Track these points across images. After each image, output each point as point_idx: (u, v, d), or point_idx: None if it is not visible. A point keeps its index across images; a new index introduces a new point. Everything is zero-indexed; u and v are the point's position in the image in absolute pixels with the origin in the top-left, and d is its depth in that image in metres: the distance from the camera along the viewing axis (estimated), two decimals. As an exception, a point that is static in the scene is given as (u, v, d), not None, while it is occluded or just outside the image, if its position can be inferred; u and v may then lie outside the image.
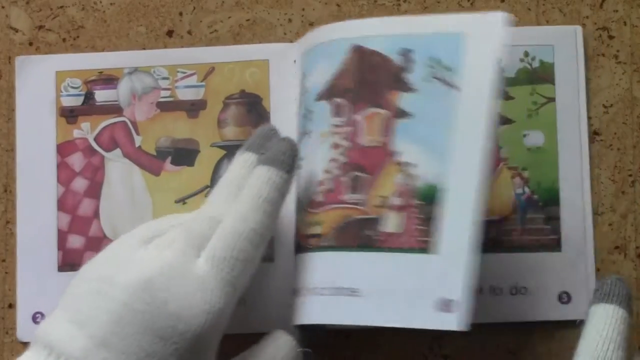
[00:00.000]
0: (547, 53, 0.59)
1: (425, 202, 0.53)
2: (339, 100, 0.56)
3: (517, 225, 0.58)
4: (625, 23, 0.61)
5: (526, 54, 0.59)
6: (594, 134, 0.60)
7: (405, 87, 0.54)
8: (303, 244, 0.55)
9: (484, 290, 0.57)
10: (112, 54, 0.61)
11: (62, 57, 0.61)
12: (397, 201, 0.53)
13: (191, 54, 0.61)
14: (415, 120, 0.54)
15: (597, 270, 0.58)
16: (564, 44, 0.60)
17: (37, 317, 0.57)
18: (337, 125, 0.56)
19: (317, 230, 0.55)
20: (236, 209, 0.50)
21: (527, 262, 0.58)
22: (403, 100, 0.54)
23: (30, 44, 0.61)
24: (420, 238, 0.52)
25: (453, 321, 0.50)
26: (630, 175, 0.59)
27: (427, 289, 0.51)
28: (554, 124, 0.59)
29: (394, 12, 0.61)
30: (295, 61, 0.60)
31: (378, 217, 0.53)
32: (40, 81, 0.60)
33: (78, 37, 0.61)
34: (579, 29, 0.60)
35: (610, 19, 0.61)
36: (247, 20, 0.61)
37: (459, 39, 0.54)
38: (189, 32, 0.61)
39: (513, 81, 0.59)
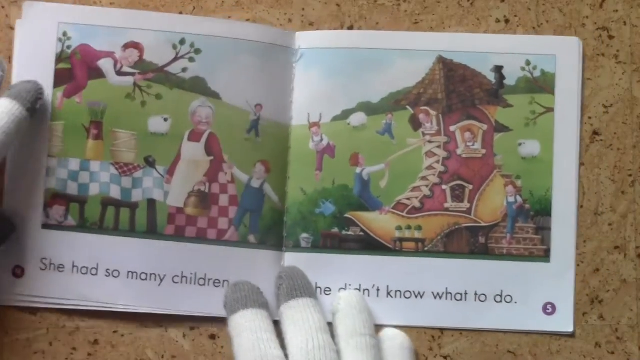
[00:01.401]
0: (549, 63, 0.59)
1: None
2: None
3: (506, 233, 0.58)
4: (625, 23, 0.61)
5: (528, 62, 0.59)
6: (593, 134, 0.60)
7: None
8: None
9: (469, 296, 0.57)
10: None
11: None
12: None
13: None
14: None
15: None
16: (566, 55, 0.59)
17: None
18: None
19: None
20: None
21: (514, 270, 0.57)
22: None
23: (30, 43, 0.61)
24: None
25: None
26: (630, 175, 0.59)
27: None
28: (551, 135, 0.58)
29: (394, 12, 0.61)
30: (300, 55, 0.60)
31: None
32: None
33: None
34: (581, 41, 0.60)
35: (610, 19, 0.61)
36: (247, 20, 0.61)
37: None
38: (189, 32, 0.61)
39: (513, 89, 0.59)
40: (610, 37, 0.60)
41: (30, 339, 0.58)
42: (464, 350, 0.58)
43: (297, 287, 0.54)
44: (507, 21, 0.60)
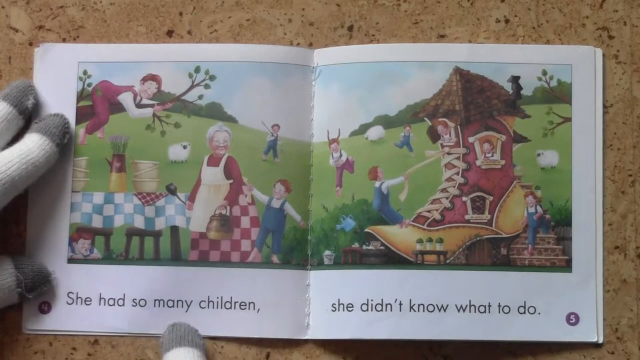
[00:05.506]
0: (565, 72, 0.58)
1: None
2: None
3: (527, 244, 0.57)
4: (625, 23, 0.60)
5: (544, 72, 0.58)
6: (594, 134, 0.60)
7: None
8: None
9: (492, 308, 0.56)
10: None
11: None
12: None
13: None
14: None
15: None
16: (582, 64, 0.58)
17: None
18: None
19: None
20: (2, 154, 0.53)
21: (536, 281, 0.56)
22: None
23: (30, 44, 0.59)
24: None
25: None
26: (630, 175, 0.59)
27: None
28: (569, 145, 0.57)
29: (394, 12, 0.60)
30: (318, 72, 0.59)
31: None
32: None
33: (78, 37, 0.60)
34: (598, 50, 0.58)
35: (610, 19, 0.60)
36: (247, 20, 0.60)
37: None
38: (189, 32, 0.60)
39: (530, 99, 0.58)
40: (610, 37, 0.60)
41: (30, 339, 0.57)
42: (464, 351, 0.57)
43: (182, 336, 0.55)
44: (507, 21, 0.60)
